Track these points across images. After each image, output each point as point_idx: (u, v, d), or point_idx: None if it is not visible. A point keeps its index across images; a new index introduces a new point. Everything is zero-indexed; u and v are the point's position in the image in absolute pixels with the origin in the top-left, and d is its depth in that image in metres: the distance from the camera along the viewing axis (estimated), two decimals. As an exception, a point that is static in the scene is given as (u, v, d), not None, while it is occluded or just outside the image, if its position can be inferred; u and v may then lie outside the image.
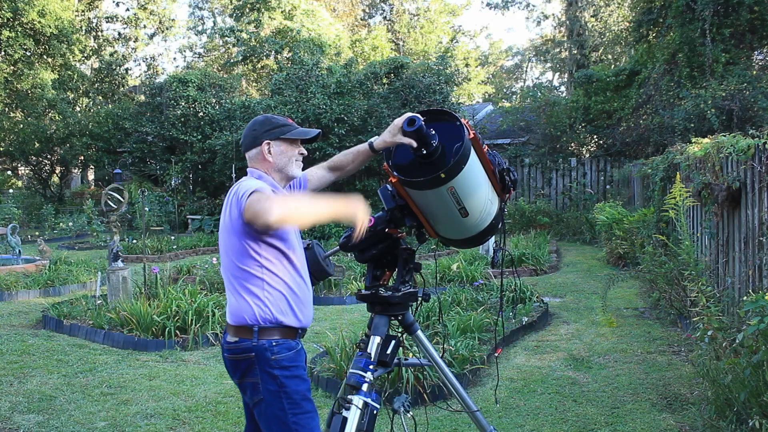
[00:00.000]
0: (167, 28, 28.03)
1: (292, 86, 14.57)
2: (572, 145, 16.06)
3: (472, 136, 2.21)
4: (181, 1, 65.61)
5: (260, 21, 22.59)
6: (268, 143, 2.31)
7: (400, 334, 2.55)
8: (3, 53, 20.21)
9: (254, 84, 25.43)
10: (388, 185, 2.37)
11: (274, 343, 2.18)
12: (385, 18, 31.92)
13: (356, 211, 2.13)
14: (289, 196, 2.36)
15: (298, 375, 2.21)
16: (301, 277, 2.29)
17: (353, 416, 2.11)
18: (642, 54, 15.18)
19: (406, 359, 2.62)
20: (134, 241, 12.61)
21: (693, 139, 7.10)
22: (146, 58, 27.43)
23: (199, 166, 17.20)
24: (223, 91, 18.11)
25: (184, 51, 32.63)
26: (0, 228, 11.67)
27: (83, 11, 25.10)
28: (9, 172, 23.19)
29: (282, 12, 22.50)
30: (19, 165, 21.96)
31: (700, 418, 3.61)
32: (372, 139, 2.40)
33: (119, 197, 7.47)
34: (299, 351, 2.26)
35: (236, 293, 2.23)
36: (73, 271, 8.90)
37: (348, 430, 2.09)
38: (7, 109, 21.23)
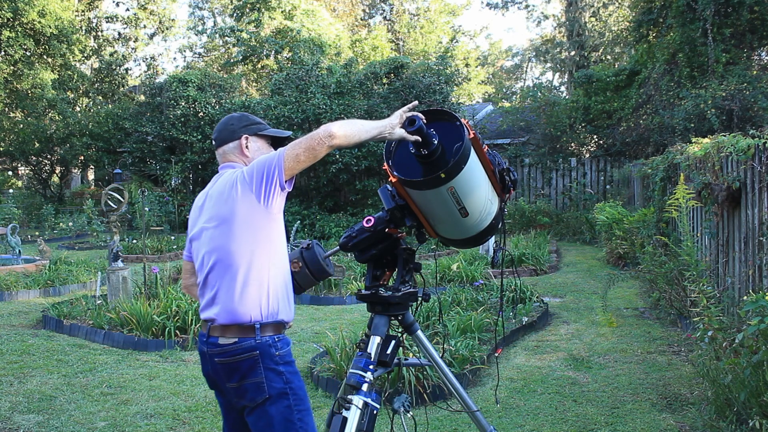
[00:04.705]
0: (167, 28, 28.00)
1: (292, 86, 14.56)
2: (572, 145, 16.06)
3: (472, 136, 2.21)
4: (181, 1, 65.60)
5: (260, 21, 22.56)
6: (246, 138, 2.33)
7: (400, 334, 2.55)
8: (3, 53, 20.19)
9: (254, 84, 25.41)
10: (388, 185, 2.37)
11: (276, 339, 2.15)
12: (385, 18, 31.87)
13: (394, 124, 2.12)
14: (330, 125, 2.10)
15: (297, 371, 2.20)
16: (288, 268, 2.28)
17: (353, 416, 2.11)
18: (642, 54, 15.17)
19: (406, 359, 2.62)
20: (134, 241, 12.61)
21: (693, 139, 7.10)
22: (146, 58, 27.42)
23: (199, 166, 17.20)
24: (223, 91, 18.10)
25: (184, 51, 32.64)
26: (0, 228, 11.67)
27: (83, 11, 25.07)
28: (9, 172, 23.19)
29: (282, 12, 22.47)
30: (19, 165, 21.96)
31: (700, 418, 3.61)
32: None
33: (119, 197, 7.48)
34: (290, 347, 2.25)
35: (233, 288, 2.13)
36: (73, 271, 8.91)
37: (348, 430, 2.09)
38: (7, 109, 21.22)
